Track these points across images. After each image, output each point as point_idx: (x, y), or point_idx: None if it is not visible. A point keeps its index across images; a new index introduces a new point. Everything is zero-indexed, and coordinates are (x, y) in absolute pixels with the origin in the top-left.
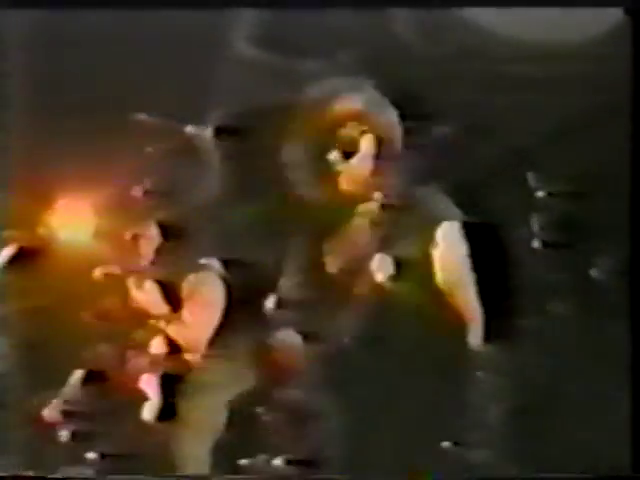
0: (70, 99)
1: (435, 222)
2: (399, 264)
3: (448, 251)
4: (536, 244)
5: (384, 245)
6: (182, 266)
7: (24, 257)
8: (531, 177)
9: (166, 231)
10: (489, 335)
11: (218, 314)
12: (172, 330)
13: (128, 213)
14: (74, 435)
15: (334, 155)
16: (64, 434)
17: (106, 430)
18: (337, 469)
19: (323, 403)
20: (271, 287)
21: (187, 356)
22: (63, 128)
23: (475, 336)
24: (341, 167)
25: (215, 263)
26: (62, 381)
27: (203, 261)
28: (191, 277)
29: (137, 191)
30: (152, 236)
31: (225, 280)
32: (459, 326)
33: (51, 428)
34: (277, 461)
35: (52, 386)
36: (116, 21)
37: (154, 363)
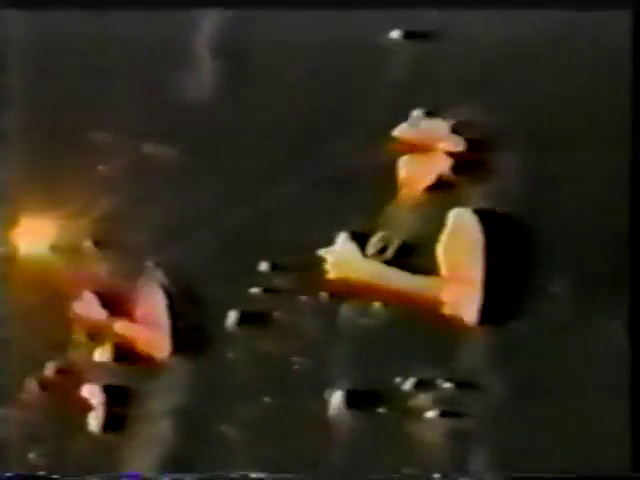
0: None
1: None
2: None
3: (457, 237)
4: None
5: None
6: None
7: None
8: None
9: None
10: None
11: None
12: (126, 331)
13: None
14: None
15: None
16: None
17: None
18: None
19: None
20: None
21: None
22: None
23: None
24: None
25: (156, 270)
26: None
27: (148, 264)
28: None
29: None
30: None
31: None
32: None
33: None
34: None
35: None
36: (117, 21)
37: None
